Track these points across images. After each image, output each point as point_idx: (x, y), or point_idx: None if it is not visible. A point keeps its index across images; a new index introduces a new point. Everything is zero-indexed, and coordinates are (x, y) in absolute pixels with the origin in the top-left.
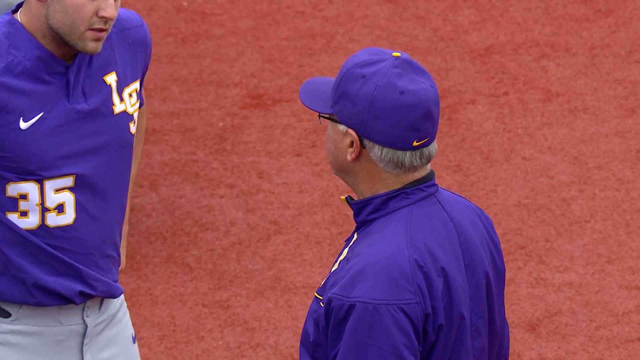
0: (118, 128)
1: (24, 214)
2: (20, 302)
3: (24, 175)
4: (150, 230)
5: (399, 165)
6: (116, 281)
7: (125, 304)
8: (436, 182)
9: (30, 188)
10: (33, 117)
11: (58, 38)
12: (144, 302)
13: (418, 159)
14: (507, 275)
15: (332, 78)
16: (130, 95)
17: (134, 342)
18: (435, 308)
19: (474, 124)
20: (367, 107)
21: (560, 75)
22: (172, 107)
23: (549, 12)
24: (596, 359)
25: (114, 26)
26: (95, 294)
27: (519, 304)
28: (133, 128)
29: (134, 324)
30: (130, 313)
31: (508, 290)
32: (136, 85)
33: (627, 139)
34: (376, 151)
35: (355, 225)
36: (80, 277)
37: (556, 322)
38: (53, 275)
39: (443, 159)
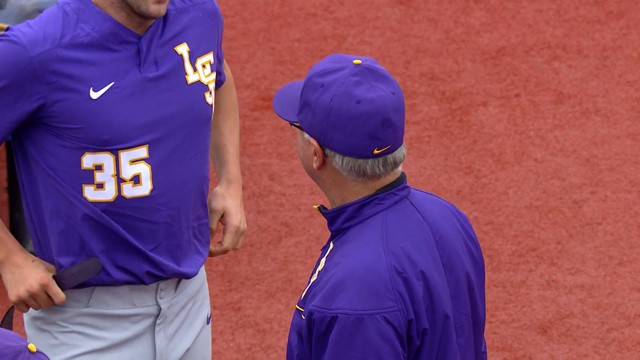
0: (192, 97)
1: (100, 185)
2: (96, 282)
3: (100, 145)
4: None
5: (361, 174)
6: (200, 254)
7: (206, 283)
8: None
9: (105, 159)
10: (104, 87)
11: (126, 6)
12: None
13: (381, 167)
14: (519, 278)
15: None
16: (204, 66)
17: (208, 323)
18: (417, 312)
19: (486, 125)
20: (325, 117)
21: (571, 77)
22: None
23: (560, 13)
24: None
25: (184, 2)
26: (165, 275)
27: (530, 306)
28: (210, 98)
29: None
30: None
31: (520, 292)
32: (210, 57)
33: (638, 140)
34: (337, 160)
35: (330, 234)
36: (147, 259)
37: (568, 325)
38: (122, 255)
39: (454, 161)
